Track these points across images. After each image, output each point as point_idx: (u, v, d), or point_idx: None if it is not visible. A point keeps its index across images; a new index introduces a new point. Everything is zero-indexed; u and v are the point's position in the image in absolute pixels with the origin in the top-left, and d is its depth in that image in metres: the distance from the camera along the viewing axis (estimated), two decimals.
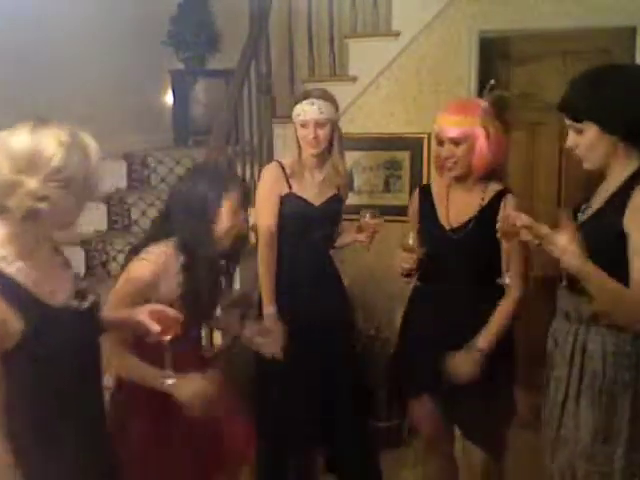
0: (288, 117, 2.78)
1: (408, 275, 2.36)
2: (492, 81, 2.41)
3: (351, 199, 3.61)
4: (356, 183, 3.69)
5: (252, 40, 3.59)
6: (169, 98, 4.94)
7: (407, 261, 2.26)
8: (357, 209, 3.41)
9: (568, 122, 1.85)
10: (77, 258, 3.83)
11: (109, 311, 1.92)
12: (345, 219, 2.87)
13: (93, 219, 4.02)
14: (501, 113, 2.36)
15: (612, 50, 3.39)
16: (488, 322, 2.29)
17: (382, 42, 3.62)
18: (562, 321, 1.92)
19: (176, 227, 2.03)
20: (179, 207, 2.05)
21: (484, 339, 2.27)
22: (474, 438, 2.38)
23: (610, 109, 1.76)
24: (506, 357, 2.33)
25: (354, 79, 3.66)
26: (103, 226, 4.06)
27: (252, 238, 3.52)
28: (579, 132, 1.82)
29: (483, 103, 2.33)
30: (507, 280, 2.21)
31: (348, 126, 3.65)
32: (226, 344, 3.20)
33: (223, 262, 2.19)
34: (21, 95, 3.25)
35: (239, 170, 3.51)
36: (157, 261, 1.97)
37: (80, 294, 1.54)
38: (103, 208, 4.05)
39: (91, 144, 1.47)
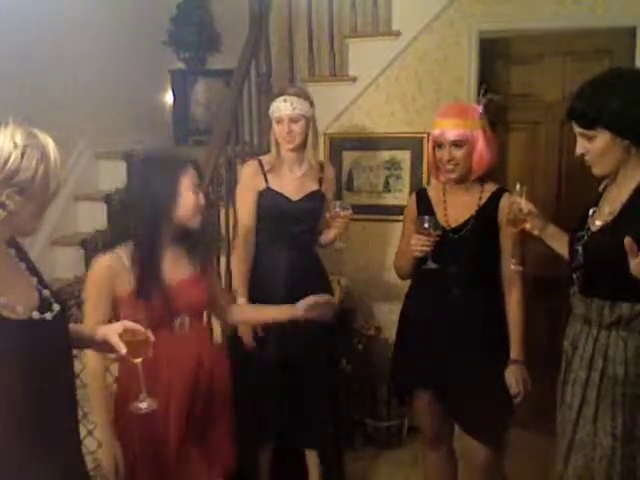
0: None
1: (423, 260, 2.37)
2: (484, 85, 2.51)
3: (351, 199, 3.63)
4: (356, 183, 3.69)
5: (252, 40, 3.59)
6: (169, 98, 4.94)
7: (424, 243, 2.29)
8: (358, 209, 3.42)
9: (578, 130, 1.83)
10: (77, 258, 3.83)
11: (88, 320, 1.93)
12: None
13: (93, 219, 4.03)
14: (494, 115, 2.40)
15: (612, 50, 3.38)
16: (510, 332, 2.34)
17: (382, 42, 3.62)
18: (581, 325, 1.90)
19: (133, 225, 1.99)
20: (136, 204, 1.99)
21: (515, 350, 2.33)
22: (473, 432, 2.39)
23: (622, 114, 1.74)
24: (503, 352, 2.35)
25: (354, 79, 3.66)
26: (103, 226, 4.06)
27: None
28: (590, 139, 1.80)
29: (478, 106, 2.40)
30: (513, 267, 2.29)
31: (348, 126, 3.66)
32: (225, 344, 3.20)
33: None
34: (21, 95, 3.25)
35: (239, 170, 3.51)
36: (111, 257, 1.97)
37: (45, 304, 1.44)
38: (103, 208, 4.05)
39: (49, 144, 1.35)
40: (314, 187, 2.77)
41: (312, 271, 2.79)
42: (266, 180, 2.72)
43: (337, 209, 2.60)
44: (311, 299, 2.16)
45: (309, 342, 2.67)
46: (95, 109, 4.04)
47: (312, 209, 2.74)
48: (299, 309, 2.16)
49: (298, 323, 2.61)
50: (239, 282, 2.72)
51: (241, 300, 2.69)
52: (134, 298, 1.95)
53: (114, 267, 1.96)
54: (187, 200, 1.96)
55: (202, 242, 2.12)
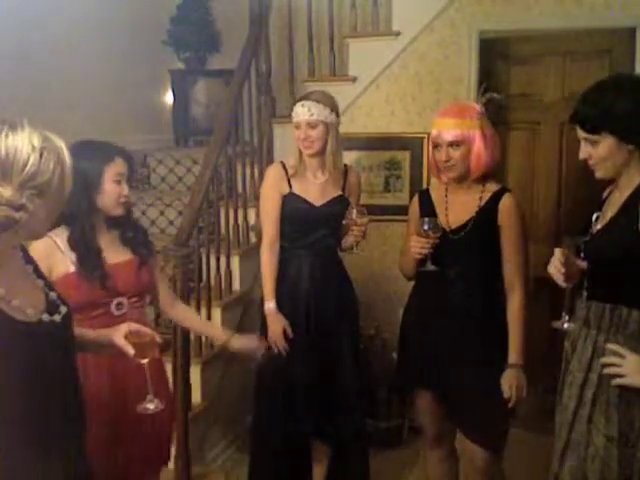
0: (288, 117, 2.80)
1: (422, 262, 2.37)
2: (484, 84, 2.49)
3: None
4: None
5: (252, 40, 3.60)
6: (169, 98, 4.94)
7: (424, 246, 2.29)
8: None
9: (582, 135, 1.82)
10: None
11: None
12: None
13: None
14: (494, 114, 2.39)
15: (612, 50, 3.38)
16: (509, 335, 2.33)
17: (382, 42, 3.62)
18: (581, 327, 1.90)
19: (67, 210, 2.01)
20: None
21: (514, 354, 2.32)
22: (472, 434, 2.39)
23: (628, 119, 1.74)
24: (503, 354, 2.34)
25: (354, 79, 3.67)
26: None
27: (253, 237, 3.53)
28: (594, 144, 1.80)
29: (477, 106, 2.38)
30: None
31: (348, 126, 3.65)
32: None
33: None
34: (21, 95, 3.25)
35: (239, 170, 3.51)
36: (45, 240, 1.98)
37: (52, 306, 1.45)
38: None
39: (63, 147, 1.37)
40: (337, 192, 2.75)
41: (335, 276, 2.79)
42: (290, 185, 2.71)
43: (354, 216, 2.56)
44: (249, 341, 2.34)
45: (335, 344, 2.70)
46: (95, 109, 4.04)
47: (335, 214, 2.69)
48: (235, 342, 2.30)
49: (323, 331, 2.67)
50: (267, 286, 2.70)
51: (269, 304, 2.68)
52: (72, 280, 1.99)
53: (48, 250, 2.00)
54: (109, 190, 2.05)
55: (132, 229, 2.19)
